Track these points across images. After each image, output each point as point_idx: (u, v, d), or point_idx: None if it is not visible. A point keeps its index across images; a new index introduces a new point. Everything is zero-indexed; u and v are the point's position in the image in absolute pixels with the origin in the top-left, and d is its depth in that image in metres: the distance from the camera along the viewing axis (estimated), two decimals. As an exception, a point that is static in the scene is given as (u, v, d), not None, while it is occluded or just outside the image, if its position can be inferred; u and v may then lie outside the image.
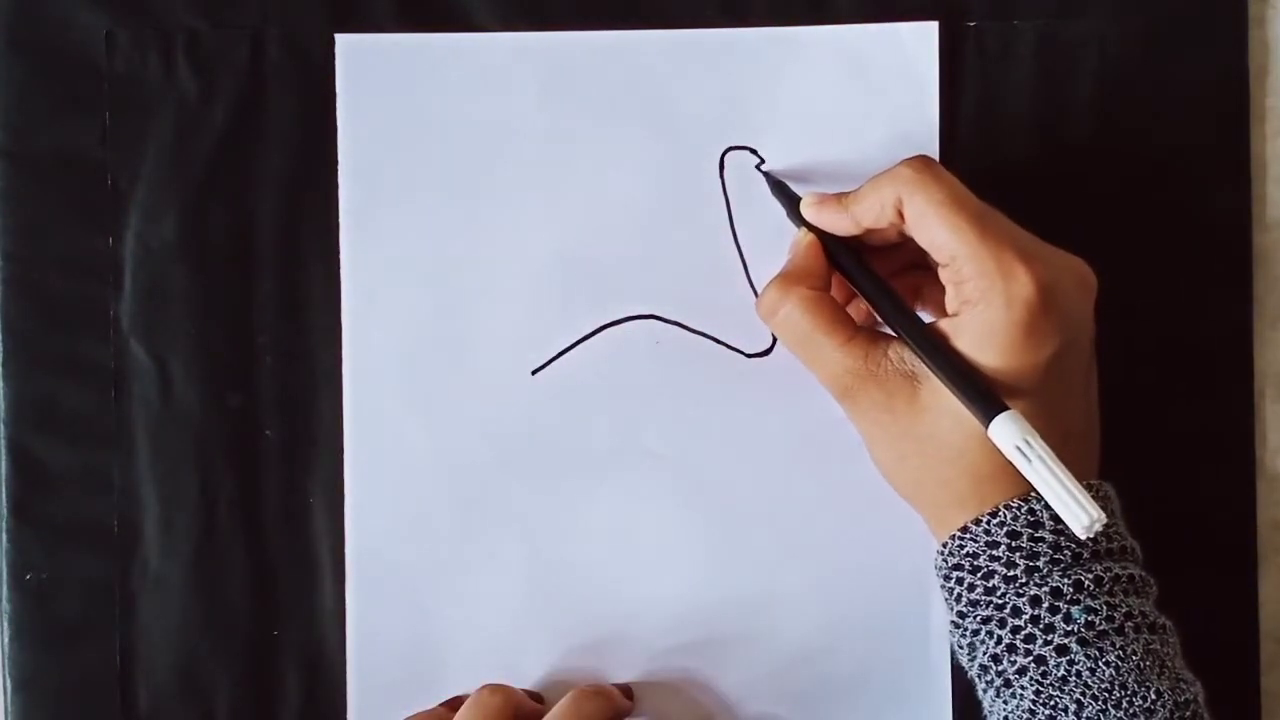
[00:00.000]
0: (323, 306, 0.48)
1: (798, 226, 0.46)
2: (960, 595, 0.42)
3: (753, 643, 0.48)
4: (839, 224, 0.44)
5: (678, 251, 0.48)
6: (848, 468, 0.48)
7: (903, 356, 0.42)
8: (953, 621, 0.42)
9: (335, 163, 0.48)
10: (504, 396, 0.48)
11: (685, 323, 0.48)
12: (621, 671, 0.48)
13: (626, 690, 0.48)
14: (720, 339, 0.48)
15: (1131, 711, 0.39)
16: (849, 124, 0.48)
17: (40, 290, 0.48)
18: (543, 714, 0.46)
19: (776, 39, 0.48)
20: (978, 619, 0.41)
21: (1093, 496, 0.39)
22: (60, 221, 0.48)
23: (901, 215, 0.42)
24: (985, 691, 0.42)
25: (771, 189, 0.47)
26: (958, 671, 0.48)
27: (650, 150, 0.48)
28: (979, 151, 0.48)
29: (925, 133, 0.48)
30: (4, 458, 0.48)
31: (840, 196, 0.44)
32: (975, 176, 0.48)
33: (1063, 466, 0.38)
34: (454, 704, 0.47)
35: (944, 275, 0.42)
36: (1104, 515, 0.38)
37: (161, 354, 0.48)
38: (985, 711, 0.42)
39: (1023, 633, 0.40)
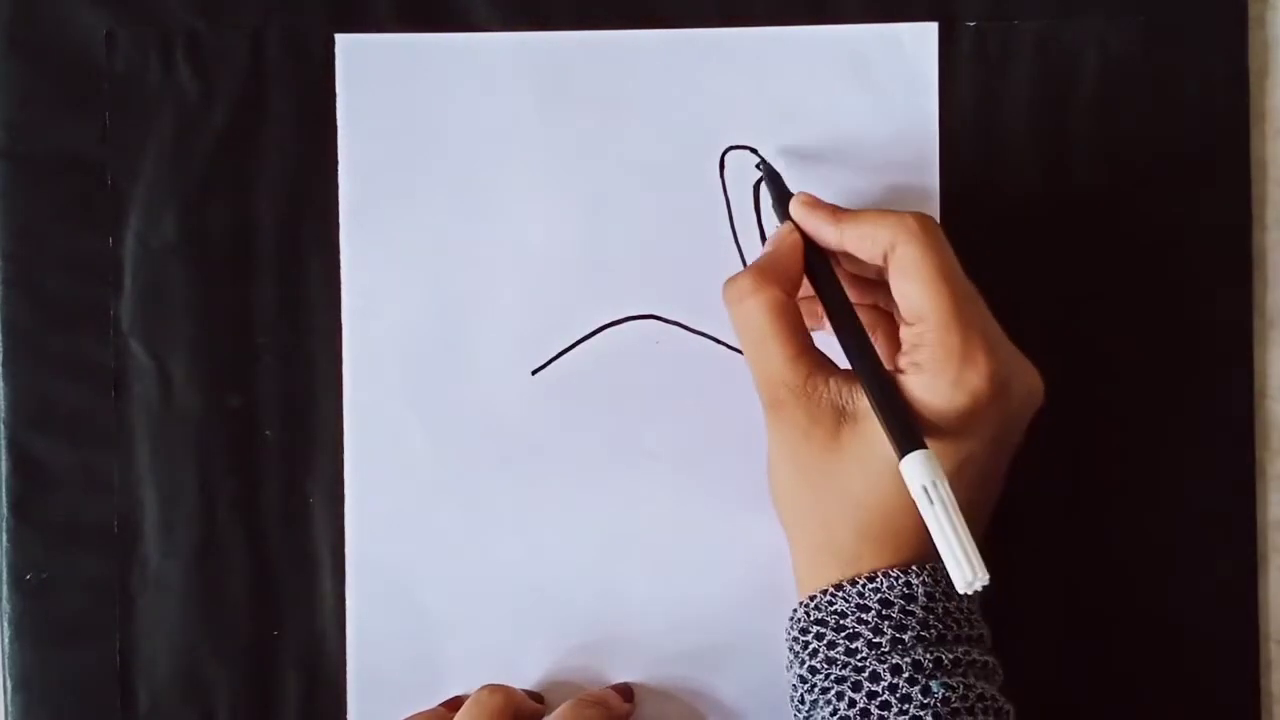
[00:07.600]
0: (323, 306, 0.48)
1: (780, 221, 0.45)
2: (816, 650, 0.41)
3: (752, 644, 0.48)
4: (823, 234, 0.43)
5: (678, 251, 0.48)
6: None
7: (840, 391, 0.42)
8: (799, 675, 0.42)
9: (335, 162, 0.48)
10: (504, 396, 0.48)
11: (685, 323, 0.48)
12: (620, 673, 0.48)
13: (626, 689, 0.48)
14: (720, 339, 0.48)
15: None
16: (849, 124, 0.48)
17: (40, 290, 0.48)
18: (542, 714, 0.46)
19: (776, 39, 0.48)
20: (831, 678, 0.41)
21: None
22: (60, 221, 0.48)
23: (886, 260, 0.42)
24: None
25: (765, 177, 0.47)
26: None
27: (650, 150, 0.48)
28: (978, 152, 0.48)
29: (925, 133, 0.48)
30: (4, 458, 0.48)
31: (834, 209, 0.44)
32: (974, 177, 0.48)
33: (961, 519, 0.38)
34: (454, 704, 0.47)
35: (905, 332, 0.42)
36: (988, 577, 0.37)
37: (161, 354, 0.48)
38: None
39: (878, 699, 0.40)
